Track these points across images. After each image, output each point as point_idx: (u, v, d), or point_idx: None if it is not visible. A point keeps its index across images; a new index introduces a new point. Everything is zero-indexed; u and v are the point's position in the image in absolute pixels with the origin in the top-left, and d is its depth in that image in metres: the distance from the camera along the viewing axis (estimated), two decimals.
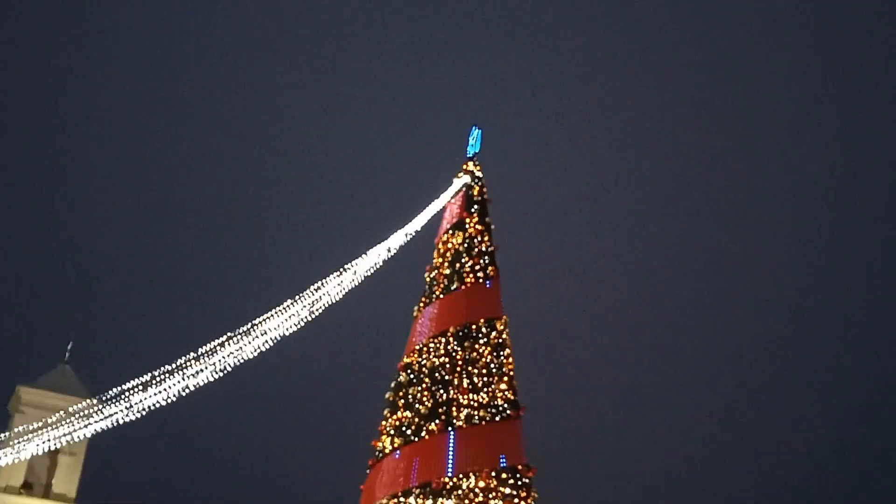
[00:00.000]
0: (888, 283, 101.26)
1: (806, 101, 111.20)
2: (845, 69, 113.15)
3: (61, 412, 33.84)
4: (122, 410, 30.98)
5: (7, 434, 34.00)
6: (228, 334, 31.31)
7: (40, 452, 33.03)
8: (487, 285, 36.03)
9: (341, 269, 34.01)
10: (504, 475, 31.71)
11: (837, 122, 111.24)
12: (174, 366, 30.93)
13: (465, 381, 33.38)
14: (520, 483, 31.87)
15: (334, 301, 33.49)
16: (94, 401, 32.33)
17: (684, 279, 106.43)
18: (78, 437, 32.12)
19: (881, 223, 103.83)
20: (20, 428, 33.33)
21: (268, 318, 32.07)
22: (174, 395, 30.90)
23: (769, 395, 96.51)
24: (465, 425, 32.48)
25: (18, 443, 32.41)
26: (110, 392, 31.05)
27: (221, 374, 31.47)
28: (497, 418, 32.97)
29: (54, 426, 32.17)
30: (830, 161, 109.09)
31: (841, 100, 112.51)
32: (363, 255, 34.67)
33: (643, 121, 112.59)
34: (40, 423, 32.92)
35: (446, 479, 31.39)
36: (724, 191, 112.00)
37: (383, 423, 34.02)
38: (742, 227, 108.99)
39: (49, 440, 32.42)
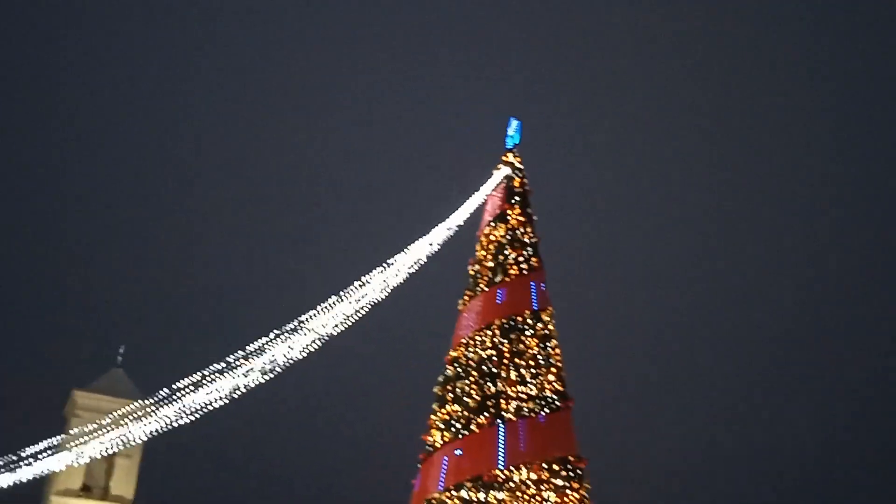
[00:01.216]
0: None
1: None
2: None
3: (116, 415, 34.36)
4: (174, 411, 31.36)
5: (64, 438, 34.58)
6: (275, 332, 31.54)
7: (98, 456, 33.54)
8: (533, 277, 35.92)
9: (384, 266, 34.08)
10: (555, 467, 31.61)
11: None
12: (223, 365, 31.25)
13: (513, 374, 33.31)
14: (572, 474, 31.75)
15: (379, 298, 33.59)
16: (147, 402, 32.80)
17: (733, 266, 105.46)
18: (133, 439, 32.57)
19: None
20: (76, 431, 33.86)
21: (314, 316, 32.26)
22: (225, 395, 31.22)
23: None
24: (514, 417, 32.44)
25: (76, 446, 32.94)
26: (161, 393, 31.45)
27: (271, 374, 31.72)
28: (546, 410, 32.88)
29: (110, 429, 32.63)
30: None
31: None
32: (406, 251, 34.71)
33: (686, 112, 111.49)
34: (96, 427, 33.46)
35: (497, 472, 31.38)
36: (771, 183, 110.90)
37: (432, 417, 34.07)
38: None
39: (105, 443, 32.91)
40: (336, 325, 32.49)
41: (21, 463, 31.42)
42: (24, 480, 31.87)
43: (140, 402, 34.13)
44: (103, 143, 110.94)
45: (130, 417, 32.37)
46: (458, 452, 32.37)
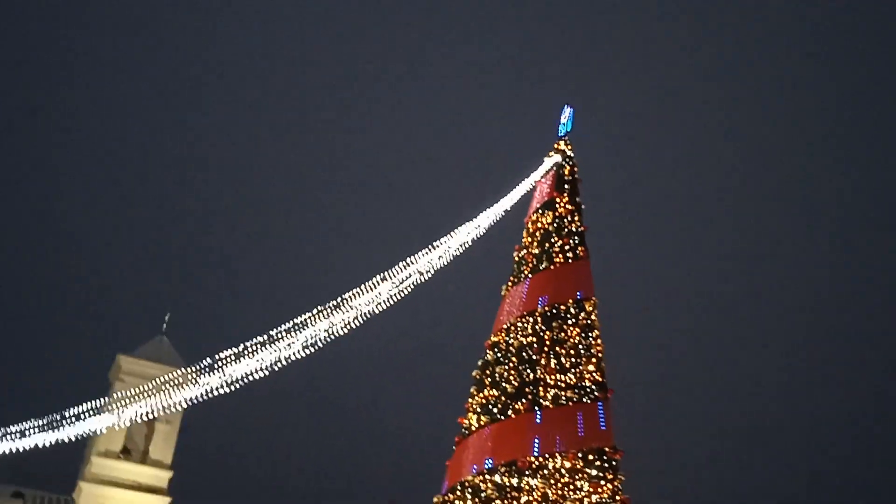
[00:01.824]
0: None
1: None
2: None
3: (158, 381, 34.74)
4: (215, 381, 31.67)
5: (108, 401, 35.09)
6: (318, 308, 31.67)
7: (138, 420, 33.98)
8: (578, 266, 35.67)
9: (431, 247, 34.04)
10: (591, 456, 31.45)
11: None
12: (266, 337, 31.46)
13: (553, 362, 33.15)
14: (606, 465, 31.57)
15: (424, 278, 33.56)
16: (189, 370, 33.13)
17: (781, 261, 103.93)
18: (174, 405, 32.93)
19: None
20: (119, 394, 34.32)
21: (357, 293, 32.33)
22: (266, 367, 31.45)
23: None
24: (551, 405, 32.30)
25: (118, 409, 33.41)
26: (203, 362, 31.76)
27: (312, 348, 31.88)
28: (584, 399, 32.69)
29: (152, 394, 33.03)
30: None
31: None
32: (452, 234, 34.63)
33: (737, 108, 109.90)
34: (138, 391, 33.88)
35: (532, 459, 31.30)
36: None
37: (470, 400, 34.06)
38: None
39: (147, 408, 33.33)
40: (379, 304, 32.54)
41: (64, 422, 31.98)
42: (67, 440, 32.40)
43: (182, 369, 34.53)
44: (149, 126, 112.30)
45: (172, 384, 32.72)
46: (485, 435, 32.35)
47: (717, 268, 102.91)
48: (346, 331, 32.27)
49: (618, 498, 31.29)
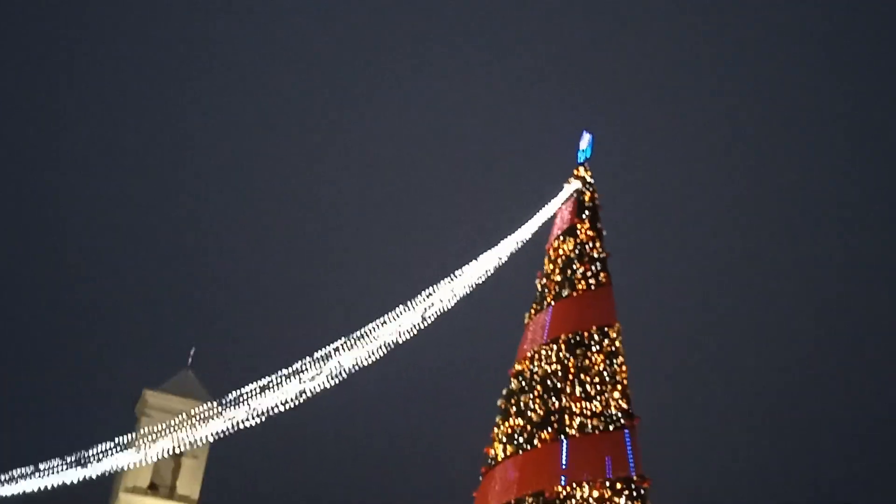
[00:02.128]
0: None
1: None
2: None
3: (184, 415, 34.82)
4: (241, 414, 31.70)
5: (134, 436, 35.23)
6: (343, 339, 31.71)
7: (165, 455, 34.05)
8: (601, 292, 35.56)
9: (452, 276, 34.06)
10: (618, 485, 31.14)
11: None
12: (291, 370, 31.51)
13: (578, 389, 32.94)
14: (634, 494, 31.25)
15: (446, 307, 33.55)
16: (215, 404, 33.21)
17: (807, 283, 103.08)
18: (200, 439, 32.99)
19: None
20: (146, 429, 34.45)
21: (381, 323, 32.36)
22: (291, 400, 31.46)
23: None
24: (577, 434, 32.05)
25: (145, 445, 33.52)
26: (229, 396, 31.83)
27: (337, 380, 31.88)
28: (611, 427, 32.44)
29: (178, 429, 33.11)
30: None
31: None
32: (473, 262, 34.65)
33: (755, 127, 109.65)
34: (165, 426, 33.99)
35: (559, 489, 31.03)
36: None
37: (495, 430, 33.86)
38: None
39: (173, 442, 33.38)
40: (403, 333, 32.54)
41: (91, 459, 32.09)
42: (94, 476, 32.49)
43: (208, 403, 34.62)
44: (177, 154, 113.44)
45: (198, 418, 32.79)
46: (511, 465, 32.14)
47: (739, 288, 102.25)
48: (370, 361, 32.28)
49: None
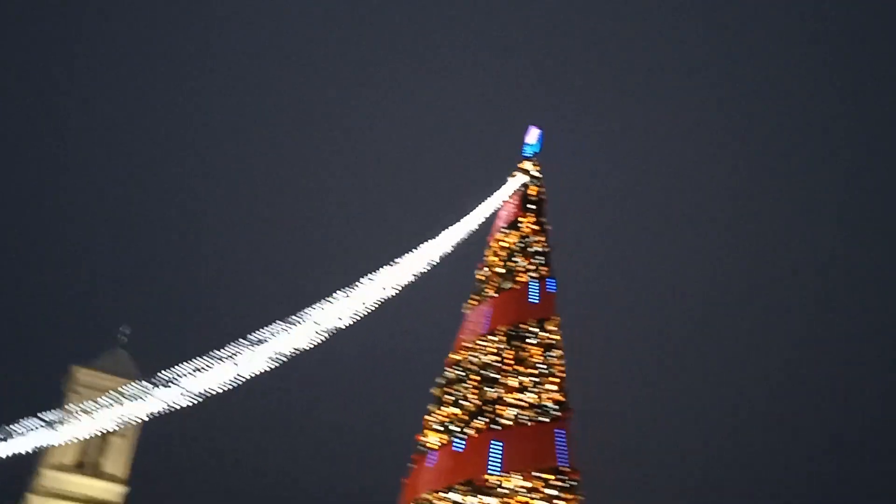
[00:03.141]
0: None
1: None
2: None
3: (114, 393, 34.16)
4: (173, 395, 31.18)
5: (61, 414, 34.48)
6: (279, 323, 31.37)
7: (93, 433, 33.39)
8: (542, 286, 35.69)
9: (392, 264, 33.88)
10: (548, 476, 31.32)
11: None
12: (225, 353, 31.07)
13: (514, 381, 33.07)
14: (564, 485, 31.44)
15: (386, 296, 33.37)
16: (146, 384, 32.62)
17: (747, 280, 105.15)
18: (129, 419, 32.41)
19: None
20: (73, 406, 33.73)
21: (319, 309, 32.07)
22: (225, 382, 31.04)
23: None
24: (511, 424, 32.19)
25: (71, 422, 32.82)
26: (162, 376, 31.28)
27: (273, 363, 31.53)
28: (544, 419, 32.63)
29: (106, 406, 32.49)
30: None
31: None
32: (415, 250, 34.53)
33: (704, 124, 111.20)
34: (93, 404, 33.32)
35: (490, 477, 31.15)
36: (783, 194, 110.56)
37: (428, 418, 33.85)
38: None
39: (101, 421, 32.73)
40: (341, 319, 32.29)
41: (15, 434, 31.34)
42: (18, 453, 31.76)
43: (139, 382, 33.99)
44: (114, 137, 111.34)
45: (128, 397, 32.21)
46: (443, 453, 32.18)
47: (685, 284, 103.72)
48: (308, 346, 31.99)
49: None
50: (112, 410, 32.64)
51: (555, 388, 33.34)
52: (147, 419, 32.76)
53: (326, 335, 32.16)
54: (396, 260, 33.97)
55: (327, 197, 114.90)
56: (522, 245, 36.57)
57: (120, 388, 34.75)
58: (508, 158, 40.16)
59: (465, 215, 36.21)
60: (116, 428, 35.09)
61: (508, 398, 32.72)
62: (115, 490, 42.25)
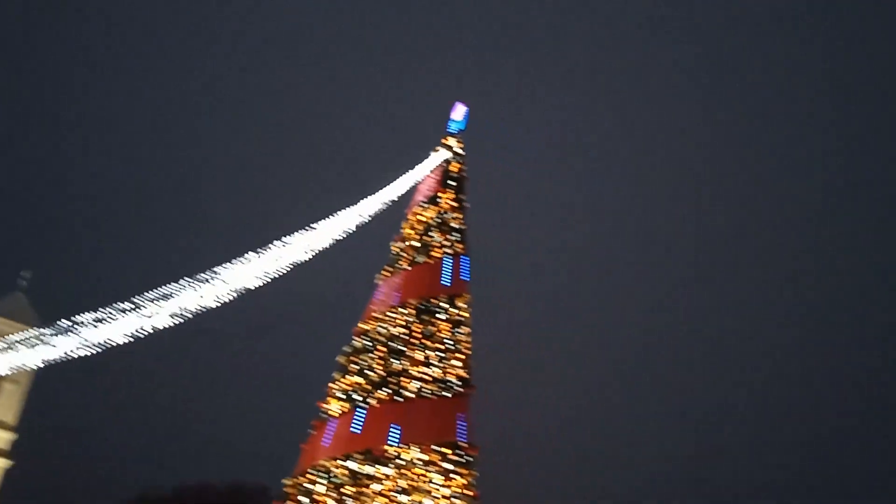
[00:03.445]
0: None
1: None
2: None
3: (9, 338, 33.31)
4: (71, 343, 30.55)
5: None
6: (187, 279, 30.98)
7: None
8: (456, 263, 35.97)
9: (308, 228, 33.73)
10: (446, 451, 31.72)
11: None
12: (129, 305, 30.56)
13: (420, 354, 33.33)
14: (461, 460, 31.90)
15: (299, 259, 33.21)
16: (44, 331, 31.86)
17: (661, 269, 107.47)
18: (23, 365, 31.69)
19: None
20: None
21: (230, 267, 31.77)
22: (126, 334, 30.54)
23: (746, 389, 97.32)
24: (414, 397, 32.47)
25: None
26: (61, 324, 30.59)
27: (178, 319, 31.14)
28: (447, 394, 32.97)
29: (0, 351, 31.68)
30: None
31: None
32: (332, 216, 34.42)
33: (635, 113, 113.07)
34: None
35: (389, 448, 31.38)
36: (718, 184, 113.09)
37: (332, 385, 33.93)
38: (738, 220, 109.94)
39: None
40: (251, 279, 32.04)
41: None
42: None
43: (36, 328, 33.15)
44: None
45: (24, 343, 31.43)
46: (344, 421, 32.34)
47: (608, 274, 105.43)
48: (214, 304, 31.67)
49: (468, 493, 31.70)
50: (5, 356, 31.85)
51: (460, 364, 33.72)
52: (41, 367, 32.08)
53: (235, 294, 31.92)
54: (313, 225, 33.84)
55: (245, 160, 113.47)
56: (439, 220, 36.79)
57: (15, 334, 33.92)
58: (436, 136, 40.19)
59: (385, 186, 36.20)
60: (8, 373, 34.26)
61: (413, 371, 32.99)
62: (3, 437, 41.27)
